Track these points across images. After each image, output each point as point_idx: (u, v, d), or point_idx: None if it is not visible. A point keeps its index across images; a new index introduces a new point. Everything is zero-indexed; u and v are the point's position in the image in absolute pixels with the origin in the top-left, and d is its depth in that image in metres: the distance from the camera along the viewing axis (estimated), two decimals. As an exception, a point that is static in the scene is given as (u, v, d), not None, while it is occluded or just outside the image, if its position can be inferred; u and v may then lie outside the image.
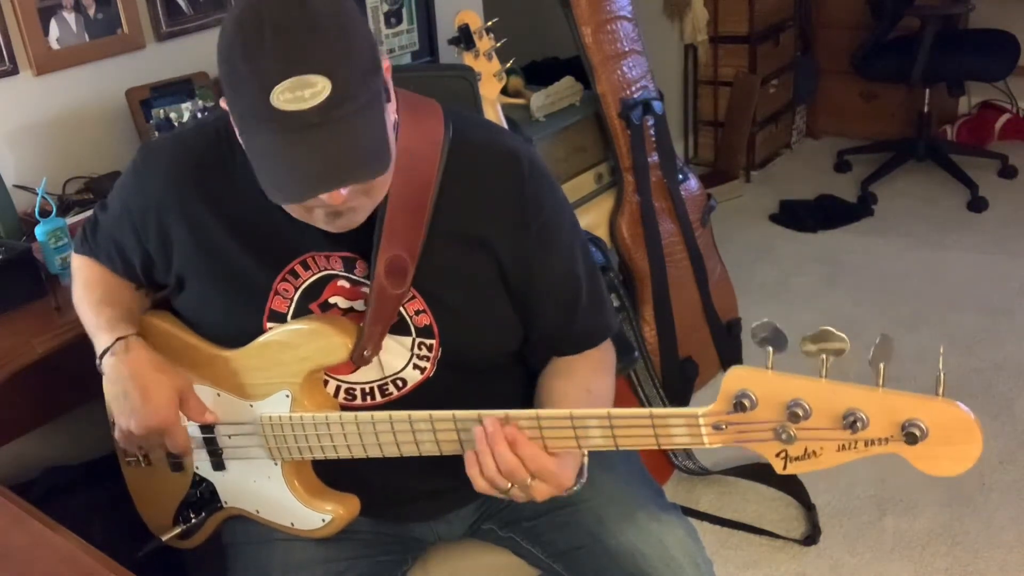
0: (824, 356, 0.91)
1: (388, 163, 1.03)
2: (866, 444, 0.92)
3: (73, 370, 1.57)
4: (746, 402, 0.95)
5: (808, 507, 2.27)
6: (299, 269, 1.20)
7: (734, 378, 0.96)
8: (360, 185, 1.04)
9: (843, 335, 0.90)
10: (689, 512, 2.27)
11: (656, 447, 1.04)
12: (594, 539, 1.26)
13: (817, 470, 0.96)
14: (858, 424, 0.91)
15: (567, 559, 1.29)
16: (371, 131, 1.02)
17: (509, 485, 1.10)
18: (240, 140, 1.08)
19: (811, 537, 2.18)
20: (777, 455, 0.98)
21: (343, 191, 1.02)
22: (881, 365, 0.89)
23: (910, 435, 0.89)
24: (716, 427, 1.00)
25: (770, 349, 0.93)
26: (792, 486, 2.31)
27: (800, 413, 0.93)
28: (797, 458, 0.97)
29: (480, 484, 1.11)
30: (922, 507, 2.25)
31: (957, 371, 2.70)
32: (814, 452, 0.95)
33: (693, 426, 1.01)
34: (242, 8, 1.00)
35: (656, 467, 2.37)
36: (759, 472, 2.35)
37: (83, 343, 1.29)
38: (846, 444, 0.93)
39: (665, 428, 1.02)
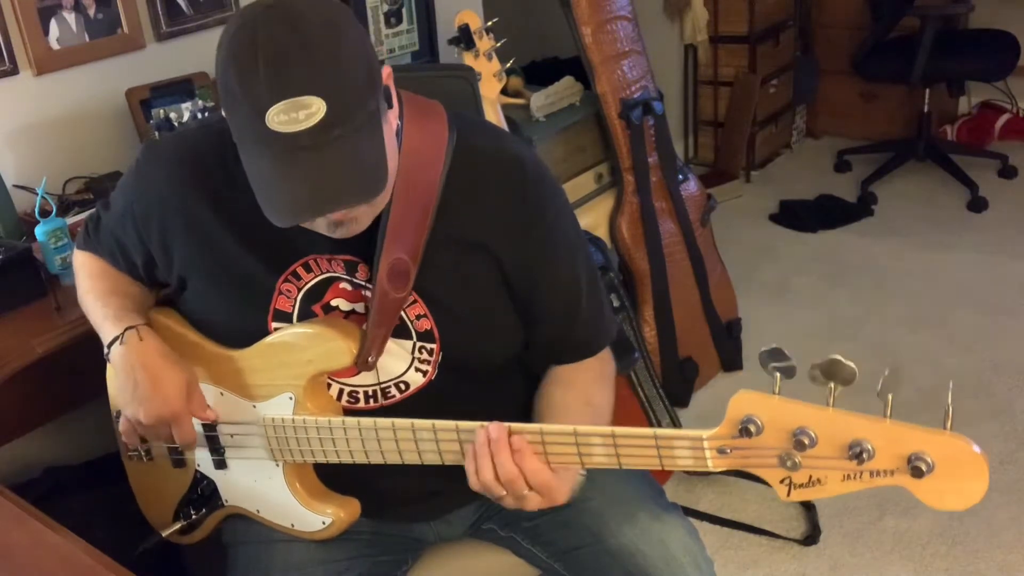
0: (832, 385, 0.90)
1: (382, 185, 1.03)
2: (871, 475, 0.92)
3: (73, 371, 1.57)
4: (752, 427, 0.95)
5: (808, 507, 2.27)
6: (301, 271, 1.19)
7: (741, 402, 0.95)
8: None
9: (852, 364, 0.89)
10: (689, 512, 2.26)
11: (660, 468, 1.04)
12: (595, 539, 1.26)
13: (821, 498, 0.96)
14: (864, 455, 0.90)
15: (568, 559, 1.29)
16: (366, 152, 1.01)
17: (503, 492, 1.09)
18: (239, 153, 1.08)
19: (811, 537, 2.18)
20: (781, 481, 0.97)
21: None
22: (889, 396, 0.88)
23: (916, 469, 0.88)
24: (720, 451, 0.99)
25: (778, 375, 0.92)
26: (792, 486, 2.31)
27: (806, 441, 0.92)
28: (801, 485, 0.96)
29: (474, 484, 1.11)
30: (922, 507, 2.19)
31: (957, 371, 2.70)
32: (819, 480, 0.95)
33: (697, 449, 1.00)
34: (237, 28, 0.99)
35: (656, 467, 2.37)
36: (759, 472, 2.34)
37: (83, 343, 1.29)
38: (851, 474, 0.93)
39: (669, 449, 1.02)
